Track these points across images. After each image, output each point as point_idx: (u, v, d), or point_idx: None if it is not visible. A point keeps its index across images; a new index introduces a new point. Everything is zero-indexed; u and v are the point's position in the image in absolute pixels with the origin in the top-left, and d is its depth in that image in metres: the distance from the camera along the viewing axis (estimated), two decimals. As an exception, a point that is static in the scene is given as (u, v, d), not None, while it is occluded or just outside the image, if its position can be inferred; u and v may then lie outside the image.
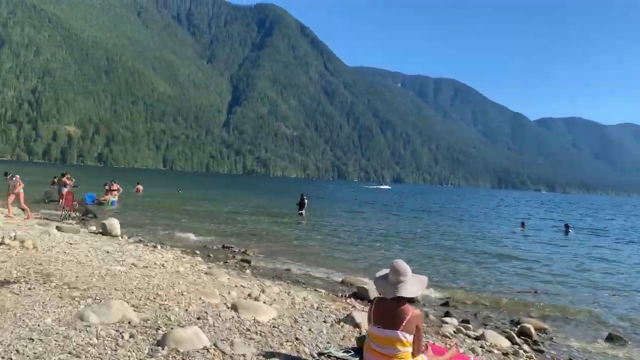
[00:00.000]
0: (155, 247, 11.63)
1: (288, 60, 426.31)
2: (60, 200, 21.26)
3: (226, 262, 10.40)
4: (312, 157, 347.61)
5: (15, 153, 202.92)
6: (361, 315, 5.87)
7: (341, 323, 5.73)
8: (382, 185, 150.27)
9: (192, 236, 14.70)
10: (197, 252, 11.57)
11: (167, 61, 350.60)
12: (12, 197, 14.13)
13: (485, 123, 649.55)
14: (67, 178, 20.78)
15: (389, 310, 3.74)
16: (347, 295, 7.93)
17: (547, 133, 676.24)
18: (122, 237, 12.61)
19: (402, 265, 3.85)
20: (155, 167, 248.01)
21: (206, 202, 31.15)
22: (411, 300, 4.05)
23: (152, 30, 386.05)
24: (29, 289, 5.31)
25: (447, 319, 6.99)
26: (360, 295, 7.79)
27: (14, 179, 14.25)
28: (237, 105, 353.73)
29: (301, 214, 24.45)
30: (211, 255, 11.33)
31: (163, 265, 8.38)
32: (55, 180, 22.62)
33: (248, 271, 9.46)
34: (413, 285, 3.82)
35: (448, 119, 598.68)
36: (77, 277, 6.28)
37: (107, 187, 24.52)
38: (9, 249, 7.75)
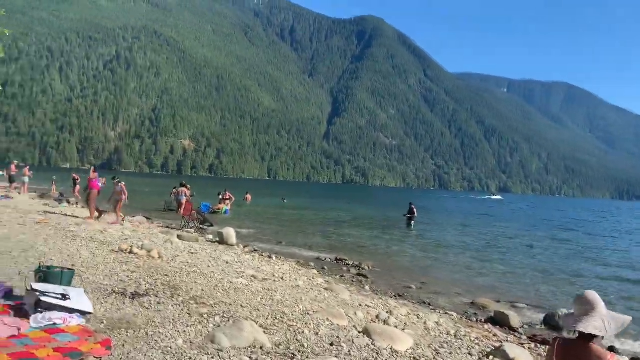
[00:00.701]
0: (270, 257, 11.53)
1: (387, 70, 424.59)
2: (179, 209, 22.46)
3: (342, 277, 9.94)
4: (412, 167, 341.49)
5: (138, 165, 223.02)
6: (513, 349, 5.02)
7: (490, 357, 4.92)
8: (494, 195, 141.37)
9: (302, 247, 14.52)
10: (311, 264, 11.27)
11: (271, 77, 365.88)
12: (116, 203, 14.43)
13: (603, 128, 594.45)
14: (187, 188, 21.85)
15: (574, 353, 2.92)
16: (482, 321, 7.04)
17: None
18: (237, 247, 12.72)
19: (591, 295, 3.00)
20: (261, 177, 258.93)
21: (311, 212, 31.29)
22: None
23: (258, 48, 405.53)
24: (158, 303, 5.18)
25: None
26: (498, 321, 6.87)
27: (119, 185, 14.62)
28: (336, 116, 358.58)
29: (410, 224, 23.50)
30: (325, 268, 10.96)
31: (282, 278, 8.10)
32: (175, 190, 23.91)
33: (367, 287, 8.89)
34: (602, 320, 2.94)
35: (559, 125, 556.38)
36: (202, 290, 6.13)
37: (221, 197, 25.46)
38: (138, 258, 7.92)
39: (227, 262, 9.14)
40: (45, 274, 4.54)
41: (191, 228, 15.72)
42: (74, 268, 5.28)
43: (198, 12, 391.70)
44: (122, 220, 14.24)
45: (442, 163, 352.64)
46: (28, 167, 26.88)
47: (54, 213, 14.43)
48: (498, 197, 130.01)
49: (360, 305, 6.77)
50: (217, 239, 13.36)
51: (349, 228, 22.17)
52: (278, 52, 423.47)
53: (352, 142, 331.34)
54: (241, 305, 5.54)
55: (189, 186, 22.46)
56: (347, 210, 35.74)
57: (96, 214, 14.15)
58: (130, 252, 8.22)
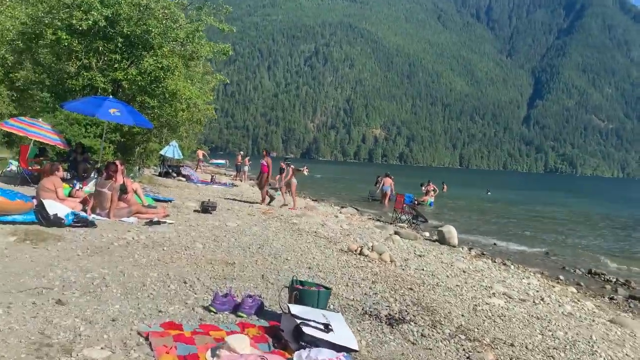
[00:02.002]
0: (504, 263, 9.89)
1: (602, 42, 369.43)
2: (384, 200, 21.94)
3: (612, 299, 7.80)
4: (633, 153, 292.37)
5: (333, 154, 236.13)
6: None
7: None
8: None
9: (534, 251, 12.42)
10: (561, 277, 9.27)
11: (465, 60, 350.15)
12: (289, 186, 13.84)
13: None
14: (391, 178, 21.21)
15: None
16: None
17: None
18: (462, 248, 11.34)
19: None
20: (452, 165, 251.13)
21: (525, 207, 27.99)
22: None
23: (451, 31, 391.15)
24: (422, 335, 4.14)
25: None
26: None
27: (290, 167, 13.88)
28: (538, 98, 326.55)
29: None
30: (582, 284, 8.86)
31: (542, 300, 6.49)
32: (379, 179, 23.52)
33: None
34: None
35: None
36: (462, 315, 4.94)
37: (424, 188, 24.26)
38: (370, 261, 7.14)
39: (463, 271, 7.84)
40: (300, 293, 3.84)
41: (404, 222, 14.84)
42: (330, 286, 4.57)
43: (392, 1, 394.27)
44: (294, 207, 13.68)
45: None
46: (248, 157, 29.45)
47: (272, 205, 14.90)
48: None
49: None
50: (436, 238, 12.18)
51: (582, 227, 18.86)
52: (472, 33, 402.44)
53: (557, 127, 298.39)
54: (526, 347, 4.19)
55: (393, 177, 21.76)
56: (568, 206, 31.26)
57: (268, 199, 13.96)
58: (361, 254, 7.50)
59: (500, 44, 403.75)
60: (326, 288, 4.09)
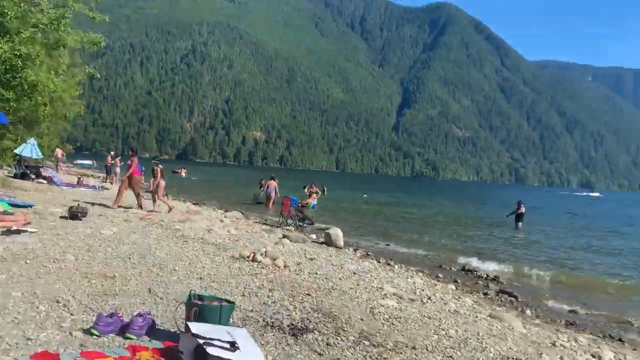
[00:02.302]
0: (388, 264, 10.24)
1: (461, 58, 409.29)
2: (268, 203, 21.76)
3: (486, 295, 8.43)
4: (486, 160, 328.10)
5: (212, 156, 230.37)
6: None
7: None
8: (592, 192, 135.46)
9: (414, 250, 13.12)
10: (440, 275, 9.84)
11: (341, 68, 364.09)
12: (156, 188, 12.91)
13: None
14: (275, 181, 21.08)
15: None
16: None
17: None
18: (348, 250, 11.56)
19: None
20: (329, 168, 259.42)
21: (400, 208, 29.70)
22: None
23: (328, 39, 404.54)
24: (328, 344, 4.00)
25: None
26: None
27: (157, 168, 12.94)
28: (406, 107, 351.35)
29: (517, 225, 21.39)
30: (459, 281, 9.48)
31: (430, 299, 6.77)
32: (262, 182, 23.28)
33: (529, 312, 7.33)
34: None
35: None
36: (362, 320, 4.92)
37: (307, 190, 24.52)
38: (264, 267, 6.88)
39: (354, 273, 7.93)
40: (200, 309, 3.46)
41: (290, 226, 14.78)
42: (233, 300, 4.21)
43: (271, 5, 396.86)
44: (170, 210, 12.98)
45: (519, 156, 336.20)
46: (119, 157, 27.35)
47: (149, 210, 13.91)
48: (596, 194, 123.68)
49: (554, 345, 5.29)
50: (323, 240, 12.29)
51: (452, 227, 20.45)
52: (348, 42, 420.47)
53: (423, 134, 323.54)
54: (427, 349, 4.26)
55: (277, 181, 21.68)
56: (436, 207, 33.79)
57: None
58: (254, 260, 7.20)
59: (373, 55, 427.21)
60: (229, 302, 3.75)
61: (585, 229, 24.93)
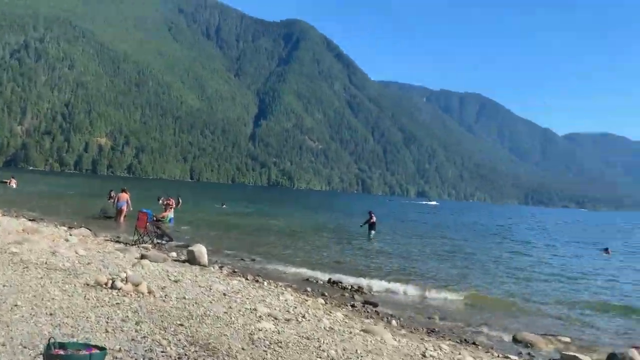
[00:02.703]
0: (256, 280, 10.03)
1: (313, 74, 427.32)
2: (119, 217, 20.04)
3: (354, 307, 8.68)
4: (337, 170, 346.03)
5: (49, 163, 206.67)
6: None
7: None
8: (430, 201, 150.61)
9: (280, 264, 13.09)
10: (308, 289, 9.91)
11: (196, 74, 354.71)
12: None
13: (513, 139, 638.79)
14: (127, 193, 19.49)
15: None
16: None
17: (576, 149, 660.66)
18: (213, 267, 11.08)
19: None
20: (183, 178, 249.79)
21: (260, 219, 29.60)
22: None
23: (182, 45, 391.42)
24: (213, 381, 3.69)
25: None
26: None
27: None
28: (263, 118, 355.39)
29: (370, 235, 22.69)
30: (326, 294, 9.63)
31: (304, 317, 6.74)
32: (112, 194, 21.36)
33: (394, 322, 7.71)
34: None
35: (474, 135, 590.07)
36: (243, 349, 4.66)
37: (161, 202, 23.09)
38: (125, 295, 6.21)
39: (224, 294, 7.61)
40: (65, 360, 2.92)
41: (147, 243, 13.72)
42: (103, 345, 3.62)
43: (120, 5, 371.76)
44: None
45: (366, 168, 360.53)
46: None
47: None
48: (434, 202, 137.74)
49: (424, 355, 5.60)
50: (185, 258, 11.62)
51: (312, 238, 20.87)
52: (203, 50, 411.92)
53: (279, 145, 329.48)
54: (313, 375, 4.17)
55: (130, 193, 20.08)
56: (296, 217, 34.32)
57: None
58: (112, 287, 6.46)
59: (229, 64, 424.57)
60: (100, 348, 3.24)
61: (431, 236, 27.47)
